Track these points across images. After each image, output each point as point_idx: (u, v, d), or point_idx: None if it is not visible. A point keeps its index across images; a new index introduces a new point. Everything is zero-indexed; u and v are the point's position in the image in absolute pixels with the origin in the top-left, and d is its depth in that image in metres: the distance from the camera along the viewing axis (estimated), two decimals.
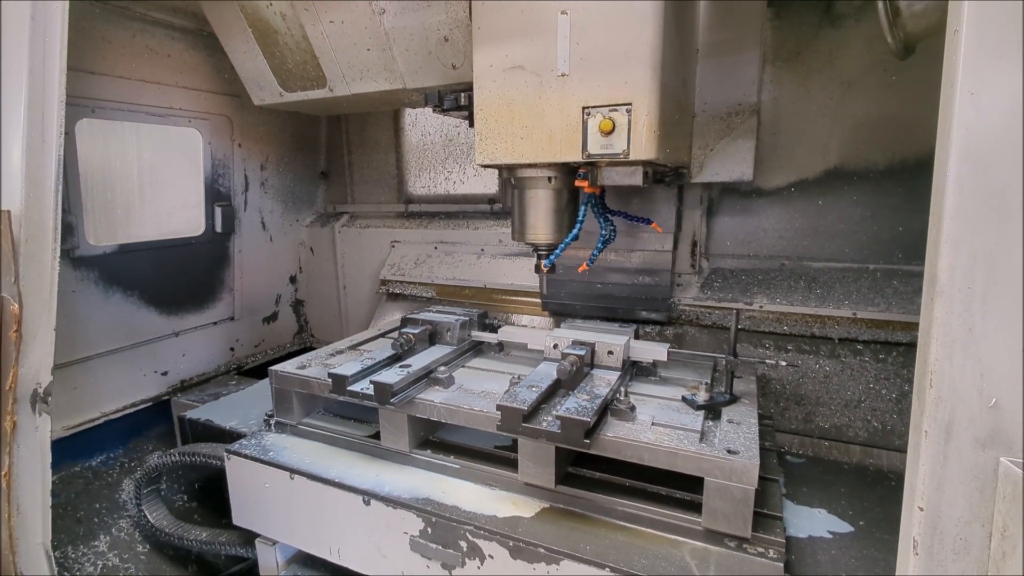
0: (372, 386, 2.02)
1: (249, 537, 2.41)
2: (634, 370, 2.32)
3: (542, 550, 1.72)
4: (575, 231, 2.08)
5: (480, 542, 1.82)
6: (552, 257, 2.16)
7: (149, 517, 2.76)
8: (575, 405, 1.78)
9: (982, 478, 0.97)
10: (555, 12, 1.78)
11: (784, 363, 2.12)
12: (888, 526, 1.97)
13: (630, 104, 1.74)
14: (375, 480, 2.07)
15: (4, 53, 1.55)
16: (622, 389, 2.04)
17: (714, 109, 2.56)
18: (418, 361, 2.25)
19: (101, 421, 2.96)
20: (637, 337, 2.80)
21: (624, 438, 1.76)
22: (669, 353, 2.20)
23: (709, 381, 2.14)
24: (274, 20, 2.78)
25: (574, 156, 1.84)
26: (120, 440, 3.14)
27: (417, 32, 2.53)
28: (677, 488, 1.85)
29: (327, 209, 4.35)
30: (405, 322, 2.61)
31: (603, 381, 2.03)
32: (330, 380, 2.13)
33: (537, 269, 2.21)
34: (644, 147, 1.75)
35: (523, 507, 1.91)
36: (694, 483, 1.72)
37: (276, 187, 3.96)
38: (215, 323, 3.60)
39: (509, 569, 1.78)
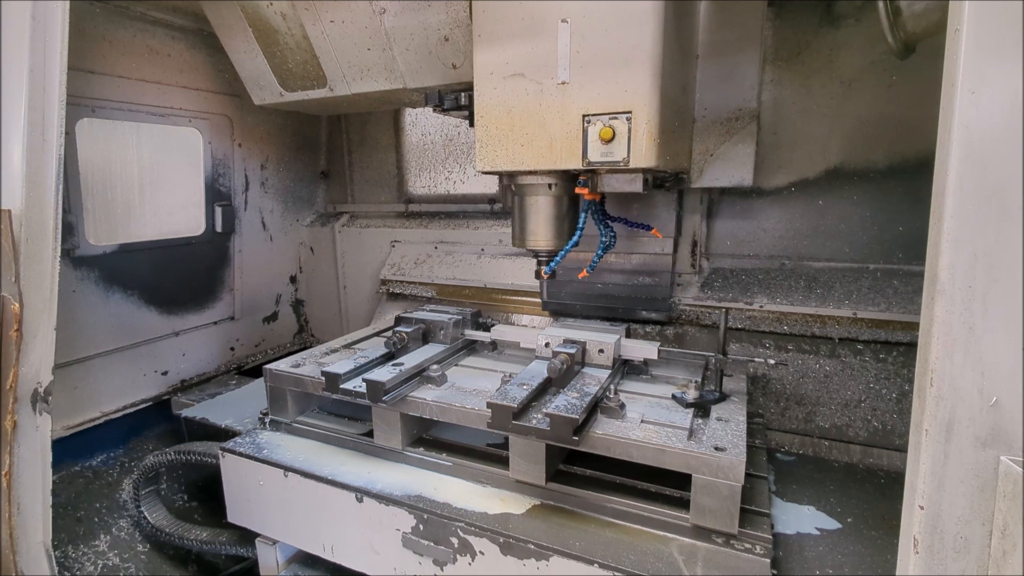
0: (365, 384, 2.03)
1: (249, 536, 2.41)
2: (625, 368, 2.34)
3: (532, 546, 1.74)
4: (575, 238, 2.09)
5: (471, 539, 1.83)
6: (552, 264, 2.17)
7: (148, 517, 2.76)
8: (565, 403, 1.80)
9: (982, 477, 0.97)
10: (555, 20, 1.79)
11: (773, 361, 2.13)
12: (876, 523, 1.98)
13: (630, 112, 1.74)
14: (368, 478, 2.08)
15: (5, 53, 1.55)
16: (612, 387, 2.06)
17: (714, 114, 2.56)
18: (411, 359, 2.26)
19: (101, 421, 2.96)
20: (635, 336, 2.82)
21: (613, 435, 1.78)
22: (659, 351, 2.22)
23: (699, 379, 2.16)
24: (274, 20, 2.78)
25: (574, 163, 1.85)
26: (120, 440, 3.14)
27: (417, 32, 2.53)
28: (666, 485, 1.87)
29: (327, 209, 4.35)
30: (399, 321, 2.63)
31: (593, 379, 2.04)
32: (323, 378, 2.14)
33: (537, 275, 2.22)
34: (644, 155, 1.75)
35: (514, 504, 1.93)
36: (683, 480, 1.74)
37: (276, 187, 3.96)
38: (215, 323, 3.60)
39: (500, 565, 1.80)
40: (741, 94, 2.52)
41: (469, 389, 2.16)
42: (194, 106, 3.30)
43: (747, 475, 1.65)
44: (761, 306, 2.66)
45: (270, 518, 2.27)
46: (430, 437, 2.27)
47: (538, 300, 3.11)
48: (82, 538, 2.70)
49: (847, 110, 2.59)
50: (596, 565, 1.65)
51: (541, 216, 2.13)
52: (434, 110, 2.38)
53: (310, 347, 2.93)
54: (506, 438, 1.96)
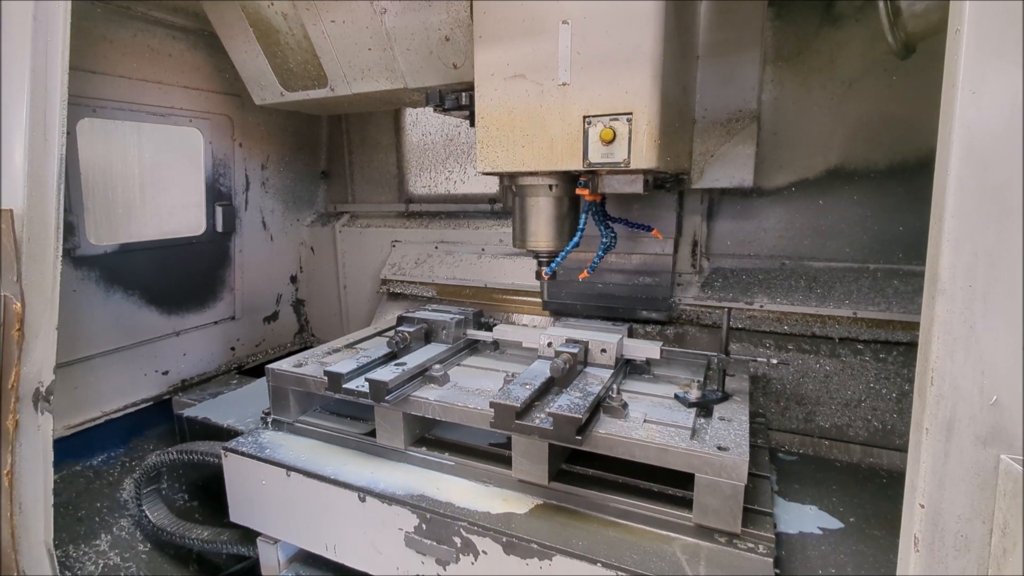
0: (367, 384, 2.03)
1: (250, 536, 2.42)
2: (627, 368, 2.34)
3: (535, 546, 1.74)
4: (576, 239, 2.09)
5: (474, 538, 1.84)
6: (553, 265, 2.17)
7: (150, 516, 2.77)
8: (567, 402, 1.80)
9: (983, 475, 0.98)
10: (556, 21, 1.79)
11: (775, 360, 2.13)
12: (878, 522, 1.98)
13: (631, 114, 1.75)
14: (370, 477, 2.09)
15: (6, 53, 1.56)
16: (615, 387, 2.06)
17: (714, 115, 2.57)
18: (413, 359, 2.26)
19: (102, 420, 2.97)
20: (635, 336, 2.82)
21: (616, 435, 1.78)
22: (662, 351, 2.22)
23: (702, 379, 2.16)
24: (275, 20, 2.78)
25: (575, 165, 1.85)
26: (121, 439, 3.14)
27: (418, 32, 2.53)
28: (669, 485, 1.87)
29: (328, 209, 4.35)
30: (401, 320, 2.62)
31: (596, 379, 2.04)
32: (326, 378, 2.14)
33: (538, 276, 2.22)
34: (645, 156, 1.76)
35: (516, 503, 1.93)
36: (685, 480, 1.74)
37: (277, 187, 3.97)
38: (216, 323, 3.61)
39: (502, 565, 1.80)
40: (741, 95, 2.53)
41: (472, 389, 2.17)
42: (195, 106, 3.30)
43: (750, 474, 1.65)
44: (761, 306, 2.66)
45: (272, 517, 2.27)
46: (433, 437, 2.27)
47: (538, 300, 3.11)
48: (83, 537, 2.71)
49: (847, 110, 2.59)
50: (599, 564, 1.65)
51: (542, 217, 2.14)
52: (435, 110, 2.38)
53: (310, 347, 2.93)
54: (509, 438, 1.96)
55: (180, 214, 3.36)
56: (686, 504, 1.76)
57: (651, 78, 1.72)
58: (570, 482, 1.93)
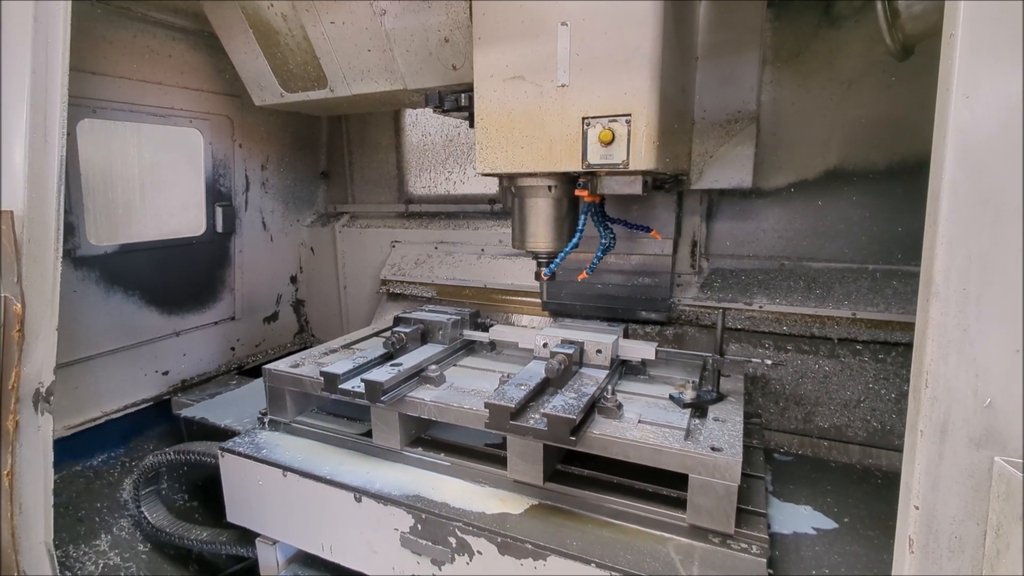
0: (363, 384, 2.04)
1: (249, 536, 2.42)
2: (623, 369, 2.35)
3: (529, 546, 1.74)
4: (575, 240, 2.10)
5: (469, 538, 1.84)
6: (552, 266, 2.17)
7: (149, 517, 2.77)
8: (562, 403, 1.80)
9: (977, 477, 0.98)
10: (555, 22, 1.79)
11: (770, 362, 2.13)
12: (872, 523, 1.99)
13: (630, 115, 1.75)
14: (366, 477, 2.09)
15: (6, 54, 1.56)
16: (609, 387, 2.06)
17: (714, 116, 2.57)
18: (409, 360, 2.27)
19: (102, 421, 2.97)
20: (634, 336, 2.82)
21: (610, 435, 1.78)
22: (657, 352, 2.23)
23: (697, 380, 2.16)
24: (275, 21, 2.79)
25: (574, 166, 1.85)
26: (121, 439, 3.15)
27: (418, 33, 2.54)
28: (663, 485, 1.88)
29: (328, 209, 4.35)
30: (398, 321, 2.63)
31: (591, 380, 2.05)
32: (322, 379, 2.14)
33: (537, 277, 2.23)
34: (644, 157, 1.76)
35: (512, 504, 1.94)
36: (680, 480, 1.74)
37: (277, 187, 3.97)
38: (216, 323, 3.61)
39: (497, 565, 1.80)
40: (741, 95, 2.53)
41: (467, 389, 2.17)
42: (195, 107, 3.31)
43: (744, 475, 1.66)
44: (760, 306, 2.67)
45: (269, 518, 2.28)
46: (428, 437, 2.27)
47: (538, 300, 3.12)
48: (83, 538, 2.71)
49: (846, 111, 2.60)
50: (593, 565, 1.66)
51: (541, 218, 2.14)
52: (434, 111, 2.39)
53: (310, 347, 2.94)
54: (504, 438, 1.96)
55: (180, 214, 3.37)
56: (680, 505, 1.76)
57: (650, 79, 1.73)
58: (565, 482, 1.93)
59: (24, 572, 1.63)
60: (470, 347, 2.68)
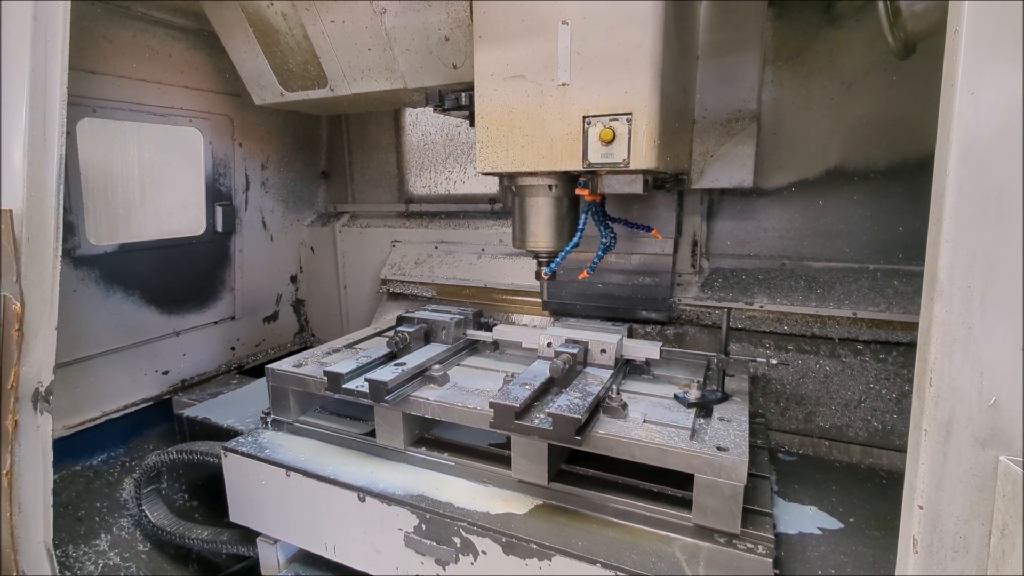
0: (367, 384, 2.03)
1: (250, 536, 2.42)
2: (627, 368, 2.34)
3: (534, 546, 1.74)
4: (575, 239, 2.09)
5: (473, 538, 1.84)
6: (553, 265, 2.17)
7: (150, 516, 2.77)
8: (567, 402, 1.80)
9: (981, 476, 0.98)
10: (556, 21, 1.79)
11: (775, 361, 2.13)
12: (878, 523, 1.98)
13: (630, 114, 1.74)
14: (370, 477, 2.09)
15: (6, 53, 1.56)
16: (614, 387, 2.06)
17: (714, 115, 2.57)
18: (413, 359, 2.26)
19: (102, 420, 2.97)
20: (635, 336, 2.82)
21: (615, 435, 1.78)
22: (661, 351, 2.22)
23: (701, 379, 2.16)
24: (275, 20, 2.78)
25: (575, 165, 1.85)
26: (121, 439, 3.14)
27: (418, 32, 2.53)
28: (668, 485, 1.87)
29: (328, 209, 4.35)
30: (401, 320, 2.62)
31: (595, 379, 2.04)
32: (326, 378, 2.14)
33: (538, 276, 2.22)
34: (644, 156, 1.75)
35: (516, 504, 1.93)
36: (685, 480, 1.74)
37: (277, 187, 3.97)
38: (216, 322, 3.61)
39: (502, 565, 1.80)
40: (741, 95, 2.52)
41: (471, 389, 2.16)
42: (195, 106, 3.30)
43: (749, 475, 1.65)
44: (761, 306, 2.66)
45: (272, 517, 2.27)
46: (432, 437, 2.27)
47: (538, 300, 3.11)
48: (83, 537, 2.71)
49: (847, 110, 2.59)
50: (598, 565, 1.65)
51: (541, 217, 2.13)
52: (435, 110, 2.38)
53: (310, 347, 2.93)
54: (508, 438, 1.96)
55: (180, 214, 3.37)
56: (685, 504, 1.76)
57: (651, 78, 1.72)
58: (570, 482, 1.93)
59: (23, 572, 1.63)
60: (473, 347, 2.68)
